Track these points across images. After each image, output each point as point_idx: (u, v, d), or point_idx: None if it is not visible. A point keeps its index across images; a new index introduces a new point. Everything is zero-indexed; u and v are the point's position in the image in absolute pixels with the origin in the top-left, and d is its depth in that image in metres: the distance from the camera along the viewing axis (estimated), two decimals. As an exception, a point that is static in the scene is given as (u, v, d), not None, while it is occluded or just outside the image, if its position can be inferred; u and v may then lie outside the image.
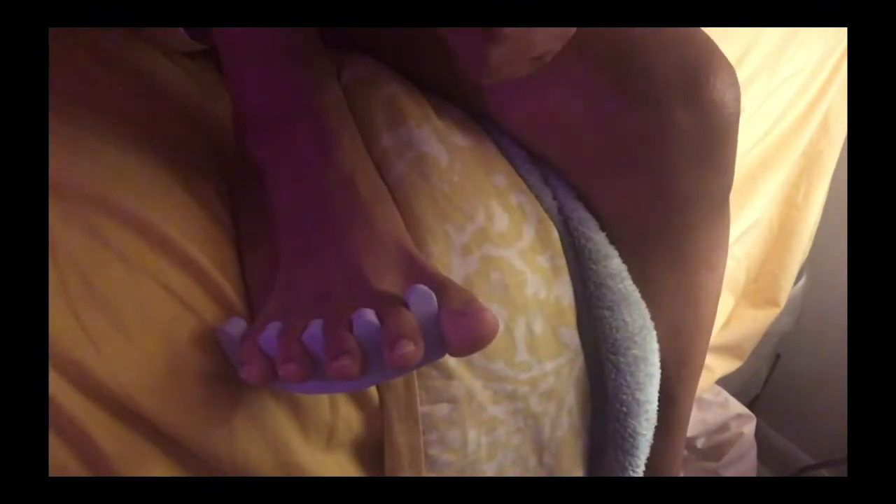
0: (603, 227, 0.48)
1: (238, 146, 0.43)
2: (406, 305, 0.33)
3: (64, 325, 0.31)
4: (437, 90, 0.49)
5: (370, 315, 0.32)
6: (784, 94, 0.82)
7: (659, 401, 0.52)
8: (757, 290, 0.95)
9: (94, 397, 0.32)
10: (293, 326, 0.33)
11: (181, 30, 0.48)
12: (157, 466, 0.34)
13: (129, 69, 0.46)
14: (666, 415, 0.54)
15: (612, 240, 0.49)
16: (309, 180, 0.40)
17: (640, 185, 0.46)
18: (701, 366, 0.59)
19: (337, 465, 0.40)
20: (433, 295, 0.33)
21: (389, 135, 0.45)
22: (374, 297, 0.34)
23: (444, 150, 0.45)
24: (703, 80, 0.42)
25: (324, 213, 0.39)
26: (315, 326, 0.33)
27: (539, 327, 0.45)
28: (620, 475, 0.52)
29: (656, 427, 0.53)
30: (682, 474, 0.71)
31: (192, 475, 0.36)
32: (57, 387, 0.31)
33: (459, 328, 0.31)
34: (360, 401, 0.41)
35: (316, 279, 0.36)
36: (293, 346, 0.32)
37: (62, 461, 0.31)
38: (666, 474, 0.60)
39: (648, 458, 0.53)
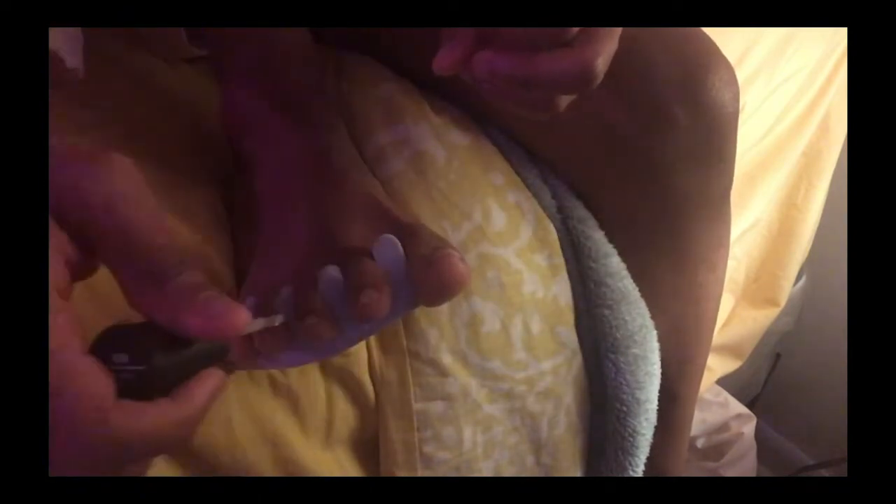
0: (602, 226, 0.48)
1: (228, 141, 0.44)
2: (372, 257, 0.32)
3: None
4: (435, 88, 0.49)
5: (333, 271, 0.32)
6: (784, 94, 0.82)
7: (660, 400, 0.52)
8: (757, 290, 0.95)
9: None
10: (266, 297, 0.33)
11: (182, 36, 0.48)
12: (156, 466, 0.34)
13: (132, 74, 0.46)
14: (668, 414, 0.54)
15: (612, 238, 0.49)
16: (289, 160, 0.40)
17: (639, 184, 0.46)
18: (703, 365, 0.59)
19: (335, 461, 0.41)
20: (397, 242, 0.32)
21: (386, 132, 0.45)
22: (340, 253, 0.34)
23: (442, 147, 0.45)
24: (701, 79, 0.42)
25: (298, 184, 0.39)
26: (284, 293, 0.32)
27: (536, 326, 0.45)
28: (620, 475, 0.52)
29: (659, 427, 0.53)
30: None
31: (191, 475, 0.36)
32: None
33: (427, 274, 0.31)
34: (357, 397, 0.41)
35: (288, 246, 0.36)
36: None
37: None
38: (668, 475, 0.60)
39: (650, 458, 0.53)
